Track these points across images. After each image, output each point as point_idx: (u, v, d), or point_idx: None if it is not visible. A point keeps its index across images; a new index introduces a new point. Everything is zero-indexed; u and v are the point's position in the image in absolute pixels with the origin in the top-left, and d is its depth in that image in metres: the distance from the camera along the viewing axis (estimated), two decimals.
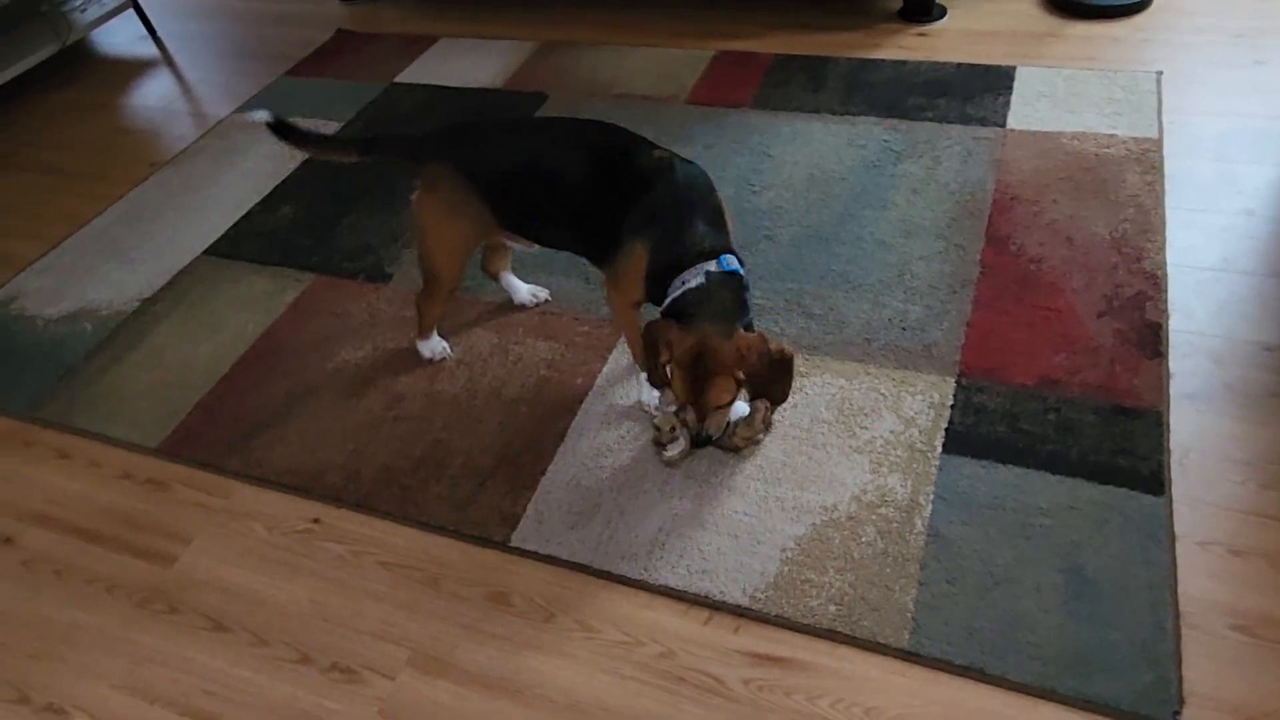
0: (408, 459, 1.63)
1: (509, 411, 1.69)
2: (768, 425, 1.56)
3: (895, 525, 1.41)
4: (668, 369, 1.39)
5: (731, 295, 1.39)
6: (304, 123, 2.64)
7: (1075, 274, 1.79)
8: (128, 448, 1.75)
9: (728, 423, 1.48)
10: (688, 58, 2.68)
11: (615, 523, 1.48)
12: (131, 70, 3.18)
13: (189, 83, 3.04)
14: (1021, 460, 1.47)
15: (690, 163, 1.48)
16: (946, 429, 1.54)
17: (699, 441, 1.45)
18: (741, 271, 1.42)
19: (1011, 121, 2.22)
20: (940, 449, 1.51)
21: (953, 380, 1.62)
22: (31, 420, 1.84)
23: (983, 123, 2.23)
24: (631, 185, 1.44)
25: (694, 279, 1.38)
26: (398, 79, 2.80)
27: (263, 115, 1.58)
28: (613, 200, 1.45)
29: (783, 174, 2.16)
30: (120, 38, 3.41)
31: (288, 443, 1.70)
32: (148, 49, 3.30)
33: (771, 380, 1.41)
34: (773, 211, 2.06)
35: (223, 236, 2.25)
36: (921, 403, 1.59)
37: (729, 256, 1.41)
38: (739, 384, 1.38)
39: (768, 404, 1.50)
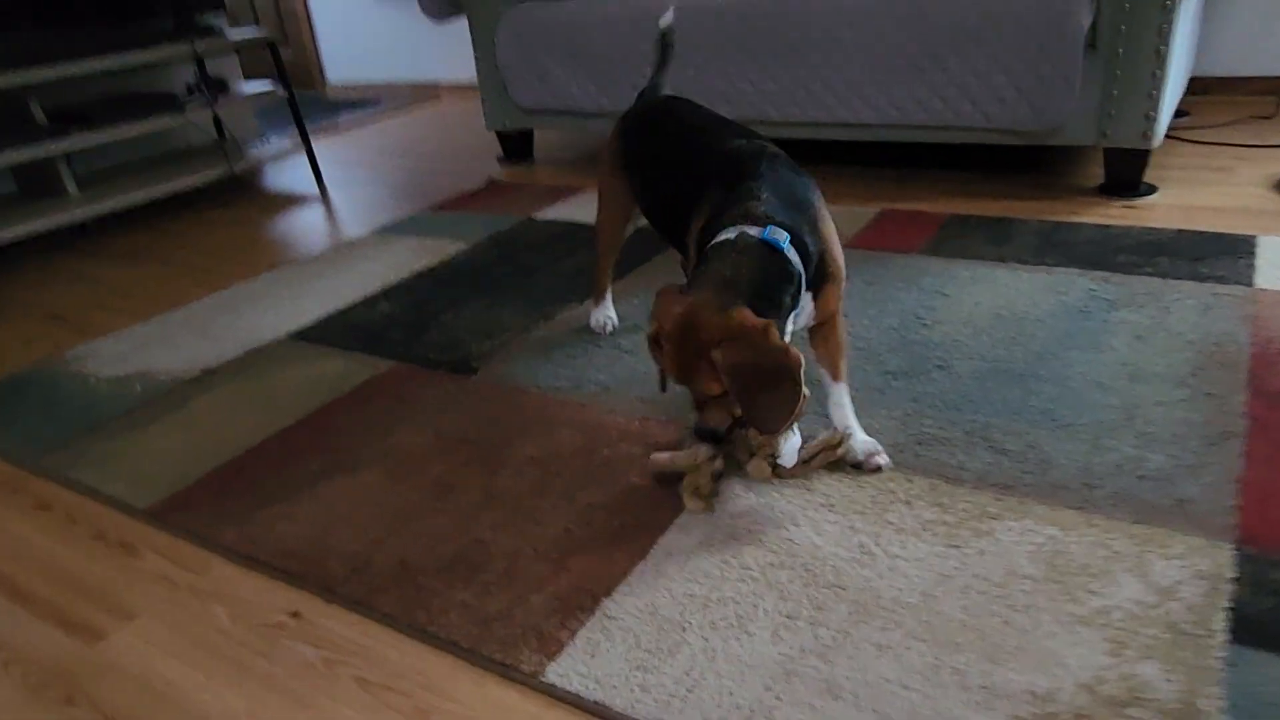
0: (435, 556, 1.21)
1: (581, 517, 1.26)
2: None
3: None
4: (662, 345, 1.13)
5: (756, 267, 1.10)
6: (433, 243, 2.51)
7: None
8: (113, 505, 1.42)
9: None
10: (848, 214, 2.41)
11: (703, 670, 0.98)
12: (288, 201, 3.22)
13: (334, 209, 3.03)
14: None
15: (795, 168, 1.28)
16: (1232, 610, 0.99)
17: (699, 432, 1.17)
18: (789, 254, 1.12)
19: (1260, 282, 1.77)
20: (1226, 637, 0.96)
21: (1229, 547, 1.09)
22: (33, 469, 1.56)
23: (1221, 280, 1.79)
24: (722, 170, 1.29)
25: (727, 234, 1.16)
26: (535, 215, 2.66)
27: (669, 18, 1.63)
28: (698, 191, 1.32)
29: (961, 311, 1.77)
30: (286, 176, 3.53)
31: (294, 520, 1.32)
32: (309, 188, 3.37)
33: (760, 389, 1.04)
34: (947, 343, 1.65)
35: (313, 324, 2.03)
36: (1182, 570, 1.06)
37: (779, 229, 1.12)
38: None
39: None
